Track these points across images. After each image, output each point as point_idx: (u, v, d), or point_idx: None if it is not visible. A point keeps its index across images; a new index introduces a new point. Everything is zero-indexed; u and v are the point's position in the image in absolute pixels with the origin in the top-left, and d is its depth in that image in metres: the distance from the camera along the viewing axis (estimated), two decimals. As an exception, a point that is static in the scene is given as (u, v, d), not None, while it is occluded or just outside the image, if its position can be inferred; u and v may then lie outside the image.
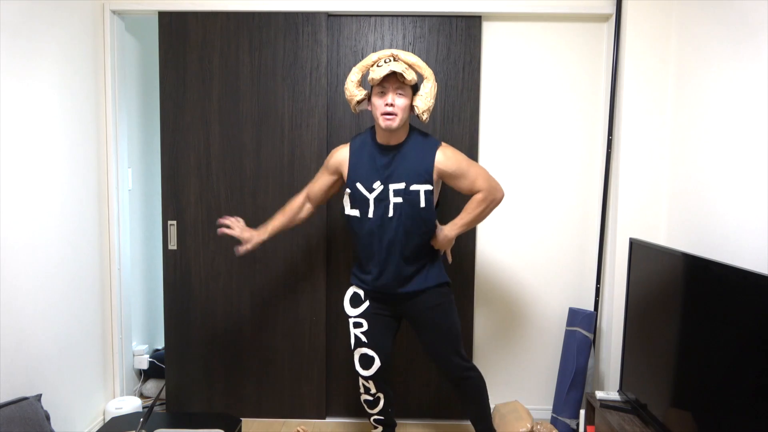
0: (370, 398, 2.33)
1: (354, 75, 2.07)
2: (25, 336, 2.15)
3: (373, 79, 1.97)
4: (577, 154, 2.76)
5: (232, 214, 2.76)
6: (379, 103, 2.01)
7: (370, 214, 2.09)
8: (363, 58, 2.68)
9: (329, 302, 2.81)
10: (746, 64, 1.93)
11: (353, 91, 2.08)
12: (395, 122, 2.00)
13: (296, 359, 2.82)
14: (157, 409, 2.89)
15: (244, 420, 2.84)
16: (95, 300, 2.67)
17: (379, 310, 2.21)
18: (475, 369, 2.24)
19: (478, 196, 2.09)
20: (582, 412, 2.45)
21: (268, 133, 2.73)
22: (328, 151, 2.72)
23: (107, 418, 2.71)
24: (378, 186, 2.08)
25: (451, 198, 2.75)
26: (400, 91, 2.00)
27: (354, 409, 2.86)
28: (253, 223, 2.76)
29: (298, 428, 2.65)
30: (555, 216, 2.79)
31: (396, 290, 2.14)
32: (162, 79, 2.72)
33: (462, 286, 2.79)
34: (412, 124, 2.18)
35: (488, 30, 2.72)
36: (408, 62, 2.02)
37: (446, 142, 2.70)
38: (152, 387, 3.11)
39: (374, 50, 2.70)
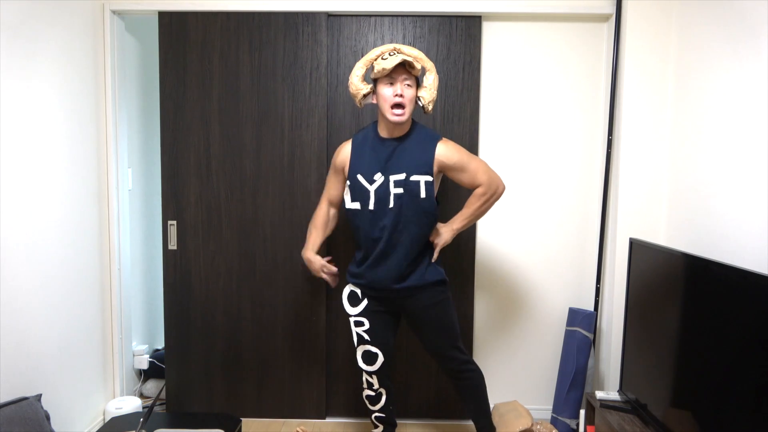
0: (373, 393, 2.34)
1: (359, 69, 2.11)
2: (25, 336, 2.15)
3: (383, 69, 2.00)
4: (577, 154, 2.76)
5: (232, 214, 2.76)
6: (388, 94, 2.04)
7: (371, 206, 2.10)
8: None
9: (329, 302, 2.81)
10: (746, 63, 1.93)
11: (359, 85, 2.11)
12: (405, 116, 2.05)
13: (296, 359, 2.82)
14: (157, 409, 2.89)
15: (244, 420, 2.84)
16: (95, 300, 2.67)
17: (378, 307, 2.22)
18: (474, 363, 2.27)
19: (478, 191, 2.12)
20: (582, 412, 2.45)
21: (268, 133, 2.73)
22: (328, 151, 2.73)
23: (107, 418, 2.71)
24: (379, 177, 2.10)
25: (451, 197, 2.75)
26: (407, 83, 2.05)
27: (354, 409, 2.86)
28: (253, 223, 2.76)
29: (298, 428, 2.65)
30: (555, 216, 2.79)
31: (392, 286, 2.14)
32: (162, 79, 2.72)
33: (462, 286, 2.79)
34: (414, 119, 2.21)
35: (488, 30, 2.72)
36: (411, 55, 2.09)
37: (446, 142, 2.71)
38: (152, 387, 3.11)
39: (374, 50, 2.70)
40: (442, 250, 2.66)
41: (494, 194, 2.13)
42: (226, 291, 2.80)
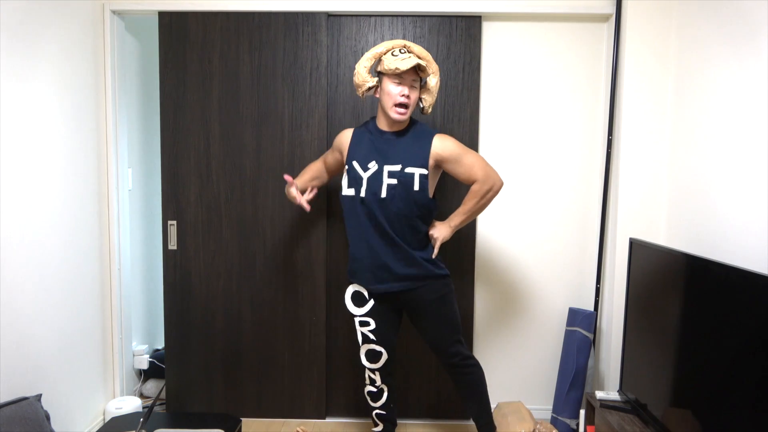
0: (375, 390, 2.35)
1: (367, 61, 2.13)
2: (25, 336, 2.15)
3: (396, 68, 2.03)
4: (577, 154, 2.76)
5: (232, 215, 2.76)
6: (394, 92, 2.07)
7: (363, 193, 2.13)
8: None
9: (329, 302, 2.81)
10: (746, 63, 1.93)
11: (366, 77, 2.13)
12: (407, 115, 2.11)
13: (296, 359, 2.82)
14: (157, 409, 2.89)
15: (244, 420, 2.84)
16: (95, 300, 2.67)
17: (383, 306, 2.24)
18: (475, 359, 2.28)
19: (474, 187, 2.14)
20: (582, 412, 2.45)
21: (268, 133, 2.73)
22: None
23: (107, 418, 2.71)
24: (373, 165, 2.13)
25: (451, 197, 2.75)
26: (414, 84, 2.10)
27: (354, 409, 2.86)
28: (253, 223, 2.76)
29: (298, 428, 2.65)
30: (555, 216, 2.79)
31: (395, 284, 2.15)
32: (162, 79, 2.72)
33: (462, 287, 2.79)
34: (412, 116, 2.26)
35: (488, 30, 2.72)
36: (422, 56, 2.12)
37: (446, 142, 2.71)
38: (152, 387, 3.11)
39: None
40: (442, 250, 2.67)
41: (491, 190, 2.13)
42: (226, 291, 2.80)
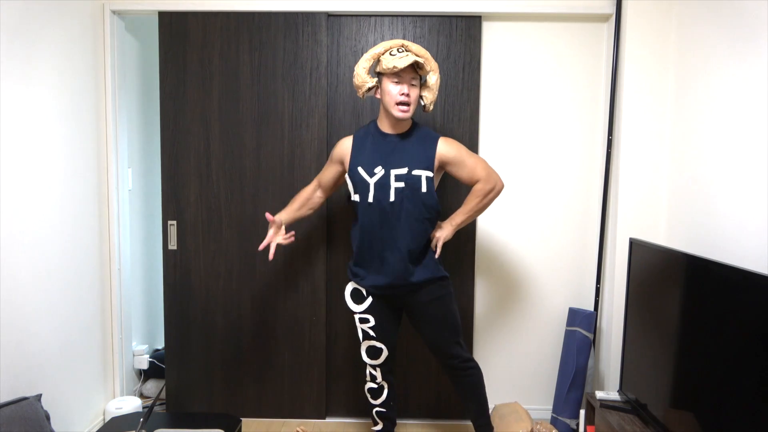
0: (375, 386, 2.36)
1: (365, 62, 2.13)
2: (25, 336, 2.15)
3: (394, 67, 2.03)
4: (577, 154, 2.76)
5: (232, 215, 2.76)
6: (394, 92, 2.08)
7: (370, 199, 2.13)
8: (363, 58, 2.69)
9: (329, 302, 2.81)
10: (746, 63, 1.93)
11: (365, 77, 2.13)
12: (409, 112, 2.10)
13: (296, 359, 2.82)
14: (157, 409, 2.89)
15: (244, 420, 2.84)
16: (95, 300, 2.67)
17: (382, 303, 2.24)
18: (474, 361, 2.28)
19: (477, 186, 2.15)
20: (582, 412, 2.45)
21: (268, 133, 2.73)
22: (328, 151, 2.73)
23: (107, 418, 2.71)
24: (379, 170, 2.13)
25: (450, 197, 2.75)
26: (413, 82, 2.10)
27: (354, 409, 2.86)
28: (253, 223, 2.76)
29: (298, 428, 2.65)
30: (555, 216, 2.79)
31: (396, 283, 2.15)
32: (162, 79, 2.72)
33: (462, 286, 2.79)
34: (413, 118, 2.25)
35: (488, 30, 2.72)
36: (420, 54, 2.12)
37: (446, 142, 2.71)
38: (152, 387, 3.11)
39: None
40: (443, 250, 2.66)
41: (492, 190, 2.16)
42: (226, 291, 2.80)
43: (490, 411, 2.50)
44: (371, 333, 2.27)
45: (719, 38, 2.11)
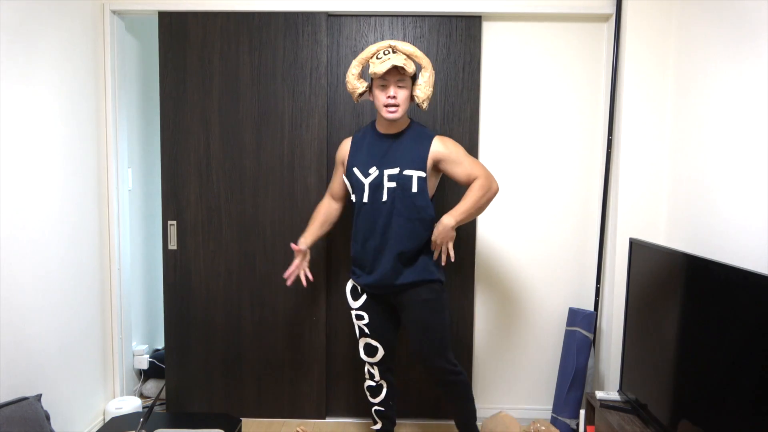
0: (374, 384, 2.37)
1: (354, 68, 2.15)
2: (25, 336, 2.15)
3: (374, 72, 2.04)
4: (577, 154, 2.76)
5: (232, 215, 2.76)
6: (381, 96, 2.09)
7: (365, 199, 2.15)
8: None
9: (329, 302, 2.81)
10: (746, 63, 1.93)
11: (355, 83, 2.16)
12: (398, 113, 2.09)
13: (296, 359, 2.82)
14: (157, 409, 2.89)
15: (244, 420, 2.84)
16: (95, 300, 2.67)
17: (375, 301, 2.25)
18: (459, 374, 2.22)
19: (475, 183, 2.09)
20: (582, 412, 2.45)
21: (268, 133, 2.73)
22: (328, 151, 2.73)
23: (107, 418, 2.71)
24: (374, 171, 2.14)
25: (450, 198, 2.74)
26: (400, 83, 2.08)
27: (354, 409, 2.86)
28: (253, 223, 2.76)
29: (298, 428, 2.65)
30: (555, 216, 2.79)
31: (387, 282, 2.15)
32: (162, 79, 2.72)
33: (462, 286, 2.79)
34: (412, 117, 2.24)
35: (488, 30, 2.72)
36: (406, 52, 2.09)
37: (446, 142, 2.71)
38: (152, 387, 3.11)
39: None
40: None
41: (490, 189, 2.10)
42: (226, 291, 2.80)
43: (479, 426, 2.45)
44: (366, 330, 2.28)
45: (719, 38, 2.11)
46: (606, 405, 2.23)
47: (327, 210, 2.37)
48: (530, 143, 2.76)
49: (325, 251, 2.76)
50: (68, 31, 2.43)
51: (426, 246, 2.17)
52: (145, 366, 3.09)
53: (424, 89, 2.11)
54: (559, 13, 2.64)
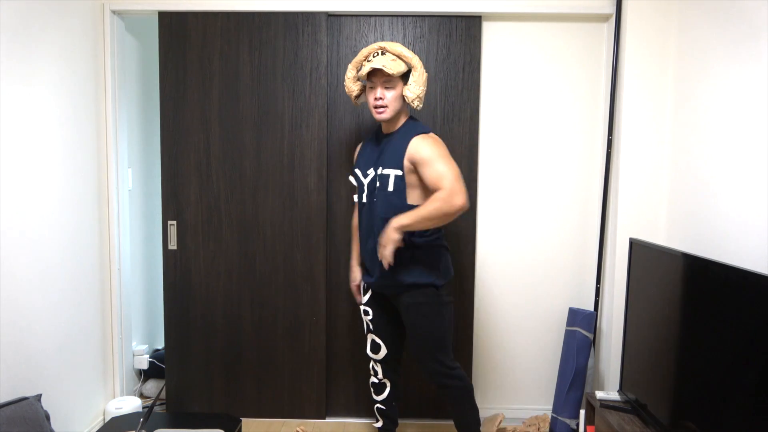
0: (377, 381, 2.38)
1: (350, 72, 2.19)
2: (25, 336, 2.15)
3: (361, 75, 2.09)
4: (577, 154, 2.76)
5: (232, 214, 2.76)
6: (370, 98, 2.13)
7: (364, 199, 2.20)
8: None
9: (329, 302, 2.81)
10: (746, 64, 1.93)
11: (351, 87, 2.21)
12: (386, 114, 2.10)
13: (296, 359, 2.82)
14: (157, 409, 2.89)
15: (244, 420, 2.84)
16: (95, 300, 2.67)
17: (378, 299, 2.28)
18: (456, 378, 2.18)
19: (436, 194, 1.94)
20: (582, 412, 2.45)
21: (268, 133, 2.73)
22: (328, 151, 2.74)
23: (107, 418, 2.71)
24: (371, 171, 2.18)
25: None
26: (387, 84, 2.09)
27: (354, 409, 2.86)
28: (253, 223, 2.76)
29: (298, 428, 2.65)
30: (555, 216, 2.79)
31: (382, 283, 2.17)
32: (162, 79, 2.72)
33: (462, 286, 2.79)
34: (414, 116, 2.25)
35: (488, 30, 2.72)
36: (395, 53, 2.09)
37: (446, 142, 2.70)
38: (152, 387, 3.11)
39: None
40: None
41: (448, 204, 1.90)
42: (226, 291, 2.80)
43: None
44: (371, 326, 2.31)
45: (719, 38, 2.11)
46: (606, 405, 2.23)
47: (358, 221, 2.34)
48: (530, 143, 2.76)
49: (325, 251, 2.76)
50: (68, 31, 2.43)
51: (418, 249, 2.12)
52: (145, 366, 3.09)
53: (413, 89, 2.07)
54: (559, 13, 2.64)
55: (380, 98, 2.08)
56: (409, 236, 2.10)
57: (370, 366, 2.38)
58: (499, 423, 2.59)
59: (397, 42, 2.65)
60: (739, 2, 1.99)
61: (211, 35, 2.70)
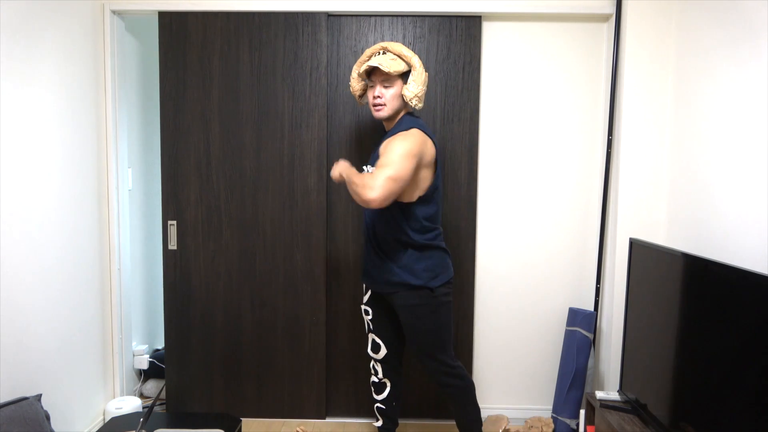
0: (377, 381, 2.38)
1: (354, 72, 2.22)
2: (25, 336, 2.15)
3: (360, 74, 2.14)
4: (577, 154, 2.76)
5: (232, 214, 2.76)
6: (369, 96, 2.17)
7: None
8: (363, 58, 2.69)
9: (329, 302, 2.81)
10: (746, 64, 1.93)
11: (355, 86, 2.24)
12: (384, 112, 2.13)
13: (296, 359, 2.82)
14: (157, 409, 2.89)
15: (244, 420, 2.84)
16: (95, 300, 2.67)
17: (378, 300, 2.28)
18: (457, 377, 2.18)
19: (367, 176, 1.95)
20: (582, 412, 2.45)
21: (268, 133, 2.73)
22: (328, 151, 2.73)
23: (107, 418, 2.71)
24: (367, 170, 2.22)
25: (450, 200, 2.74)
26: (386, 83, 2.11)
27: (354, 409, 2.86)
28: (253, 223, 2.76)
29: (298, 428, 2.65)
30: (555, 216, 2.79)
31: (376, 284, 2.18)
32: (162, 79, 2.72)
33: (462, 286, 2.79)
34: (415, 114, 2.25)
35: (488, 30, 2.72)
36: (395, 52, 2.12)
37: (446, 142, 2.71)
38: (152, 387, 3.11)
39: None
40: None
41: (362, 190, 1.91)
42: (226, 291, 2.80)
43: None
44: (370, 326, 2.32)
45: (719, 38, 2.11)
46: (606, 405, 2.23)
47: None
48: (530, 143, 2.76)
49: (325, 251, 2.76)
50: (68, 31, 2.43)
51: (412, 252, 2.12)
52: (145, 366, 3.09)
53: (411, 88, 2.08)
54: (559, 13, 2.64)
55: (378, 96, 2.11)
56: (406, 235, 2.10)
57: (371, 365, 2.38)
58: (504, 428, 2.59)
59: (397, 42, 2.65)
60: (739, 2, 1.99)
61: (211, 35, 2.70)
